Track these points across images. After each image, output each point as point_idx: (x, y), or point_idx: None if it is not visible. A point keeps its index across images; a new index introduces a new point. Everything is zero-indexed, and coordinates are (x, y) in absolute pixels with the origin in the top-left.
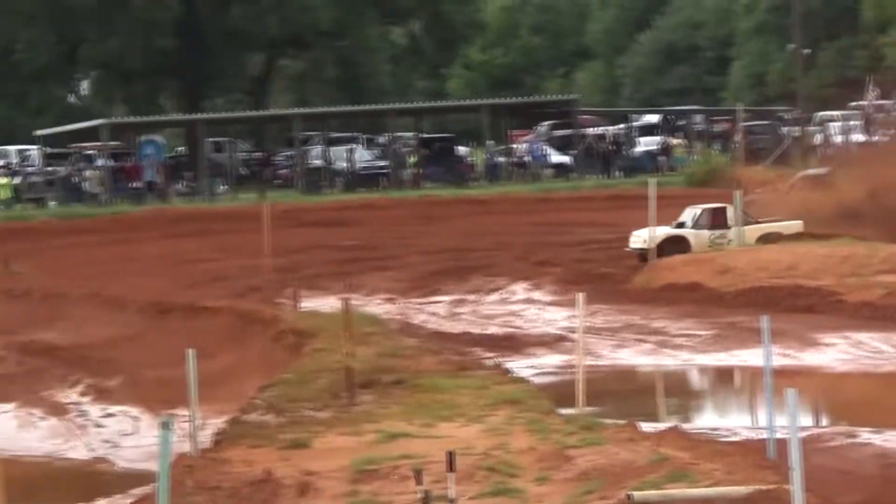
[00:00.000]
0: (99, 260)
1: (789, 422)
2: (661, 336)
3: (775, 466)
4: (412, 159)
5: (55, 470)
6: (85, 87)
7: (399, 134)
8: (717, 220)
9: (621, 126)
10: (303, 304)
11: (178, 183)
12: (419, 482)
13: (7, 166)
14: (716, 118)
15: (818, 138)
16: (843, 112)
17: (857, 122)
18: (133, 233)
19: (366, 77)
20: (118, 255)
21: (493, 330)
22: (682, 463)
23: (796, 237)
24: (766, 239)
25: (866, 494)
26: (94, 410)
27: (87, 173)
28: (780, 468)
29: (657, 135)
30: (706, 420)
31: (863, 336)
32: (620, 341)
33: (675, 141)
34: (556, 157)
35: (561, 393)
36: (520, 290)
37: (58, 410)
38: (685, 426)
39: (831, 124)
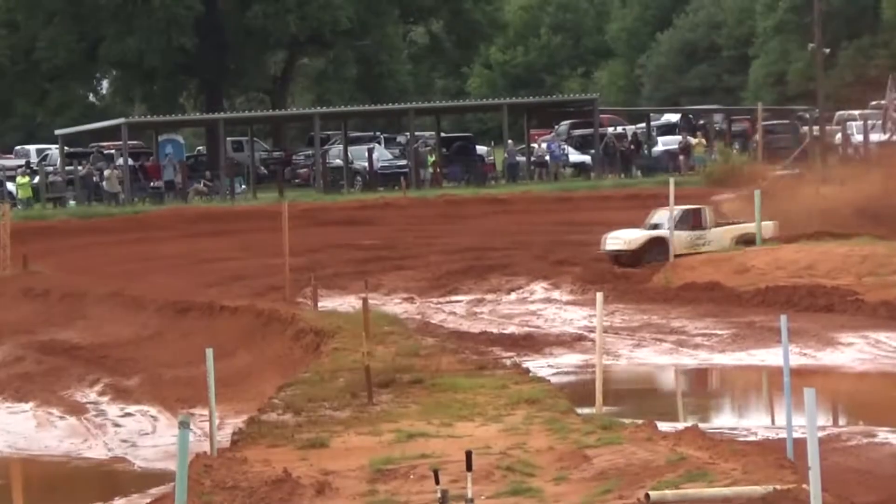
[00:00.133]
0: (118, 259)
1: (807, 421)
2: (680, 335)
3: (793, 466)
4: (432, 158)
5: (73, 469)
6: (105, 86)
7: (419, 133)
8: (695, 221)
9: (641, 125)
10: (322, 304)
11: (198, 182)
12: (437, 482)
13: (27, 165)
14: (735, 117)
15: (838, 138)
16: (863, 111)
17: (877, 122)
18: (152, 232)
19: (386, 76)
20: (137, 255)
21: (511, 329)
22: (701, 462)
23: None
24: (741, 240)
25: (884, 494)
26: (113, 410)
27: (107, 172)
28: (798, 468)
29: (677, 134)
30: (724, 420)
31: (881, 335)
32: (639, 341)
33: (694, 140)
34: (575, 157)
35: (579, 392)
36: (539, 289)
37: (76, 410)
38: (703, 426)
39: (851, 123)
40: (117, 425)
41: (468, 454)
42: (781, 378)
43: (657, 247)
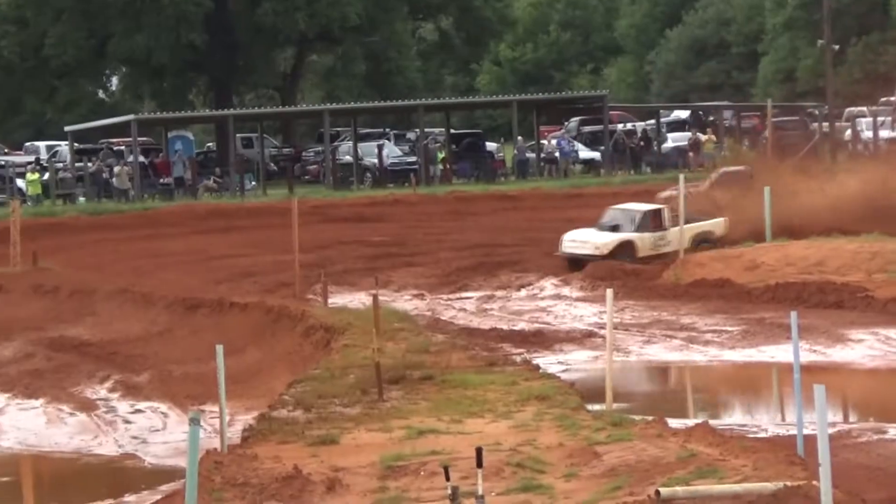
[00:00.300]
0: (128, 256)
1: (818, 418)
2: (690, 332)
3: (804, 463)
4: (441, 155)
5: (83, 466)
6: (114, 82)
7: (428, 130)
8: (656, 222)
9: (650, 122)
10: (331, 300)
11: (208, 178)
12: (447, 478)
13: (37, 162)
14: (745, 114)
15: (847, 134)
16: (872, 108)
17: (886, 118)
18: (162, 229)
19: (395, 73)
20: (147, 251)
21: (521, 326)
22: (711, 459)
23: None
24: (698, 239)
25: (895, 490)
26: (123, 406)
27: (117, 169)
28: (808, 464)
29: (686, 130)
30: (735, 416)
31: (892, 332)
32: (649, 337)
33: (704, 137)
34: (585, 153)
35: (589, 389)
36: (549, 286)
37: (86, 406)
38: (714, 422)
39: (861, 120)
40: (127, 422)
41: (478, 451)
42: (791, 375)
43: (625, 250)
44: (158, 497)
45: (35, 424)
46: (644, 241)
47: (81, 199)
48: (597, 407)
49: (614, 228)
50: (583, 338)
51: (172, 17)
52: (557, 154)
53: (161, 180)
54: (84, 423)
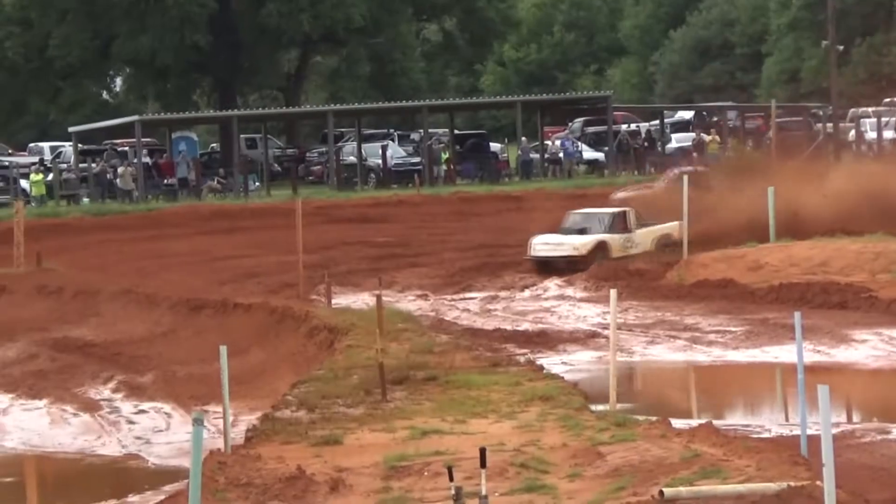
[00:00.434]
0: (131, 257)
1: (821, 418)
2: (694, 332)
3: (807, 463)
4: (445, 156)
5: (87, 466)
6: (118, 83)
7: (432, 130)
8: (623, 224)
9: (654, 122)
10: (335, 301)
11: (212, 179)
12: (451, 478)
13: (41, 163)
14: (749, 115)
15: (851, 135)
16: (876, 108)
17: (890, 119)
18: (166, 229)
19: (399, 74)
20: (151, 252)
21: (525, 326)
22: (715, 459)
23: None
24: (661, 242)
25: None
26: (127, 407)
27: (121, 170)
28: (812, 465)
29: (690, 131)
30: (738, 417)
31: (895, 332)
32: (653, 338)
33: (708, 137)
34: (589, 154)
35: (593, 389)
36: (552, 286)
37: (90, 407)
38: (717, 423)
39: (865, 121)
40: (131, 422)
41: (482, 451)
42: (795, 375)
43: (601, 251)
44: (162, 497)
45: (39, 425)
46: (615, 241)
47: (85, 199)
48: (600, 407)
49: (581, 232)
50: (586, 338)
51: (176, 18)
52: (561, 155)
53: (165, 181)
54: (88, 423)
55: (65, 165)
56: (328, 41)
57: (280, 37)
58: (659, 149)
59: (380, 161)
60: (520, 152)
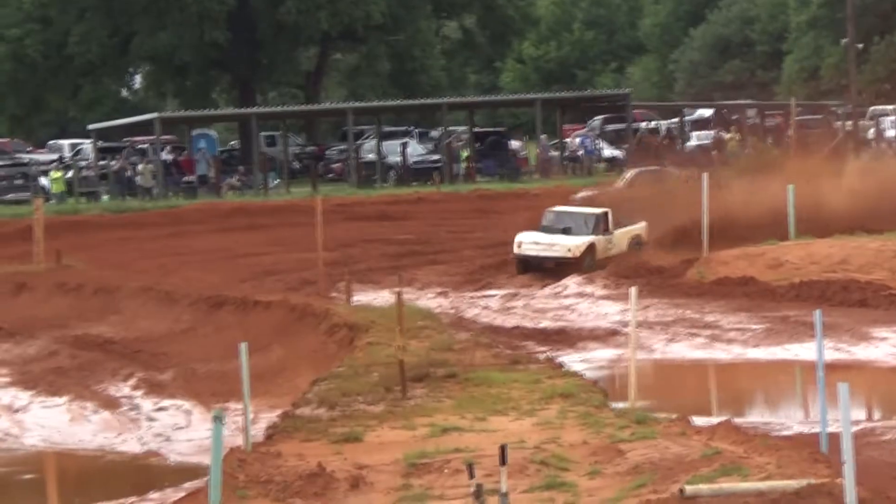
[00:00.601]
0: (151, 254)
1: (841, 416)
2: (714, 330)
3: (827, 460)
4: (465, 153)
5: (107, 463)
6: (137, 80)
7: (452, 128)
8: (605, 225)
9: (674, 120)
10: (355, 298)
11: (231, 177)
12: (471, 476)
13: (60, 160)
14: (769, 112)
15: (871, 133)
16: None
17: None
18: (185, 227)
19: (419, 71)
20: (170, 249)
21: (545, 324)
22: (735, 457)
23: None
24: (633, 242)
25: None
26: (147, 404)
27: (140, 167)
28: (832, 462)
29: (710, 129)
30: (758, 414)
31: None
32: (673, 335)
33: (727, 135)
34: (608, 151)
35: (613, 387)
36: (572, 284)
37: (110, 404)
38: (737, 420)
39: (884, 118)
40: (151, 419)
41: (502, 448)
42: (815, 373)
43: (591, 252)
44: (182, 494)
45: (59, 422)
46: (600, 243)
47: (105, 197)
48: (620, 405)
49: (565, 231)
50: (606, 336)
51: (195, 14)
52: (581, 152)
53: (184, 178)
54: (108, 420)
55: (84, 163)
56: (347, 38)
57: (299, 34)
58: (678, 146)
59: (399, 158)
60: (539, 150)
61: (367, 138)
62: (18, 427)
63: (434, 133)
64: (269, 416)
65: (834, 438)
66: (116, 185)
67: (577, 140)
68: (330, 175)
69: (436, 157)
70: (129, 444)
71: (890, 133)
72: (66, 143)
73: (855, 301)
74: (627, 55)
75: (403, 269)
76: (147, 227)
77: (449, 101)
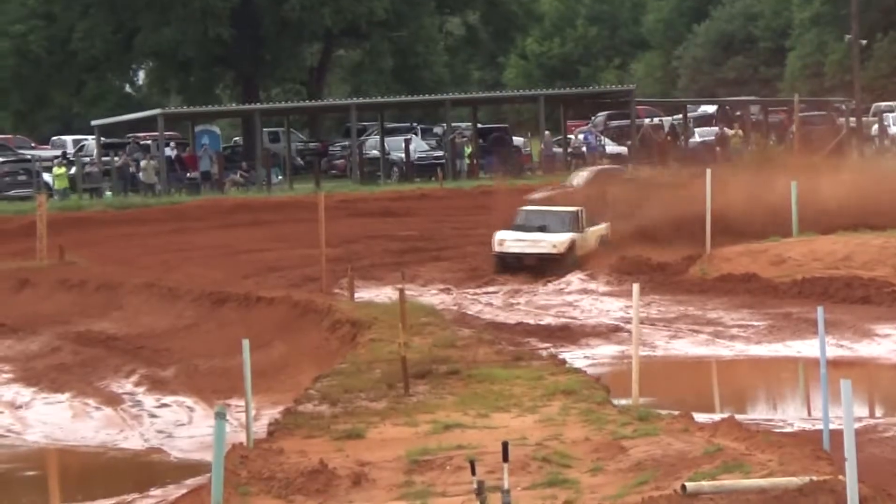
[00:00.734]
0: (154, 250)
1: (844, 413)
2: (716, 327)
3: (830, 457)
4: (468, 149)
5: (109, 460)
6: (141, 76)
7: (455, 124)
8: (580, 223)
9: (677, 117)
10: (358, 295)
11: (234, 173)
12: (473, 472)
13: (63, 156)
14: (772, 109)
15: (874, 129)
16: None
17: None
18: (188, 223)
19: (422, 67)
20: (173, 246)
21: (548, 320)
22: (737, 454)
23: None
24: (602, 240)
25: None
26: (149, 400)
27: (143, 163)
28: (834, 459)
29: (713, 125)
30: (761, 411)
31: None
32: (675, 332)
33: (731, 132)
34: (612, 148)
35: (616, 383)
36: (575, 280)
37: (112, 400)
38: (740, 417)
39: (888, 115)
40: (153, 416)
41: (504, 445)
42: (818, 369)
43: (572, 250)
44: (184, 491)
45: (61, 418)
46: (579, 240)
47: (108, 193)
48: (623, 401)
49: (542, 229)
50: (609, 332)
51: (199, 10)
52: (584, 149)
53: (188, 175)
54: (110, 417)
55: (87, 159)
56: (351, 35)
57: (302, 30)
58: (682, 143)
59: (403, 155)
60: (543, 146)
61: (370, 135)
62: (21, 423)
63: (437, 129)
64: (271, 413)
65: (836, 435)
66: (119, 181)
67: (581, 136)
68: (333, 171)
69: (439, 153)
70: (132, 441)
71: (893, 129)
72: (69, 139)
73: (858, 298)
74: (631, 51)
75: (406, 266)
76: (150, 223)
77: (452, 98)
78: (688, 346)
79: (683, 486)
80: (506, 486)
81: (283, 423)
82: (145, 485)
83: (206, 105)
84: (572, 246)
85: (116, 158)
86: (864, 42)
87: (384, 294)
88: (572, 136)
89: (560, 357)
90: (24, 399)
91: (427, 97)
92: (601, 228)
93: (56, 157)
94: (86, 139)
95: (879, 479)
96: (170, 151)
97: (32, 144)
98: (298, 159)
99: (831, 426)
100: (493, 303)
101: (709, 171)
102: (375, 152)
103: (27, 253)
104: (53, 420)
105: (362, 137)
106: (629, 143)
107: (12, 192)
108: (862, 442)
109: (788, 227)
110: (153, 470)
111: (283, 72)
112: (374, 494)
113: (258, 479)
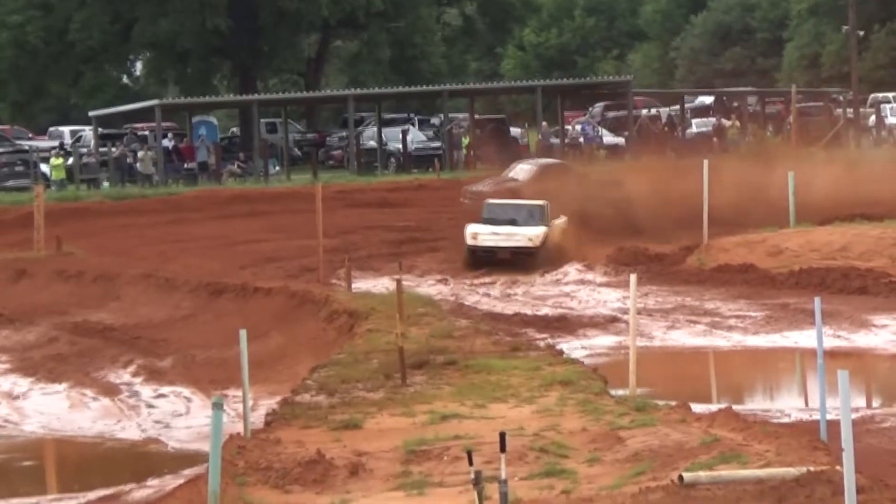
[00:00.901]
0: (151, 241)
1: (841, 403)
2: (714, 317)
3: (827, 448)
4: (466, 140)
5: (107, 450)
6: (138, 67)
7: (452, 115)
8: (546, 216)
9: (675, 107)
10: (355, 285)
11: (232, 163)
12: (471, 463)
13: (61, 147)
14: (769, 99)
15: (871, 120)
16: None
17: None
18: (186, 213)
19: (419, 58)
20: (171, 236)
21: (545, 311)
22: (734, 444)
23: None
24: (563, 234)
25: None
26: (146, 391)
27: (140, 154)
28: (831, 449)
29: (711, 116)
30: (758, 402)
31: None
32: (673, 322)
33: (728, 122)
34: (609, 139)
35: (613, 374)
36: (573, 271)
37: (110, 391)
38: (737, 407)
39: (885, 106)
40: (151, 406)
41: (502, 435)
42: (815, 360)
43: (546, 242)
44: (181, 481)
45: (58, 409)
46: (549, 233)
47: (105, 183)
48: (620, 392)
49: (511, 223)
50: (606, 323)
51: (196, 1)
52: (582, 139)
53: (185, 165)
54: (107, 407)
55: (85, 149)
56: (348, 25)
57: (300, 21)
58: (679, 134)
59: (400, 146)
60: (540, 137)
61: (367, 125)
62: (18, 414)
63: (434, 120)
64: (268, 403)
65: (833, 426)
66: (117, 171)
67: (578, 127)
68: (330, 162)
69: (436, 144)
70: (129, 431)
71: (890, 120)
72: (66, 129)
73: (855, 288)
74: (628, 42)
75: (404, 256)
76: (147, 213)
77: (450, 89)
78: (685, 337)
79: (681, 477)
80: (503, 476)
81: (281, 413)
82: (142, 475)
83: (204, 96)
84: (546, 239)
85: (114, 149)
86: (862, 33)
87: (381, 284)
88: (570, 127)
89: (557, 347)
90: (21, 389)
91: (424, 88)
92: (563, 223)
93: (53, 147)
94: (83, 130)
95: (876, 470)
96: (167, 142)
97: (30, 135)
98: (296, 150)
99: (828, 416)
100: (490, 293)
101: (706, 161)
102: (373, 143)
103: (24, 243)
104: (51, 410)
105: (360, 128)
106: (626, 133)
107: (10, 183)
108: (859, 432)
109: (786, 218)
110: (150, 460)
111: (280, 62)
112: (372, 485)
113: (255, 470)
